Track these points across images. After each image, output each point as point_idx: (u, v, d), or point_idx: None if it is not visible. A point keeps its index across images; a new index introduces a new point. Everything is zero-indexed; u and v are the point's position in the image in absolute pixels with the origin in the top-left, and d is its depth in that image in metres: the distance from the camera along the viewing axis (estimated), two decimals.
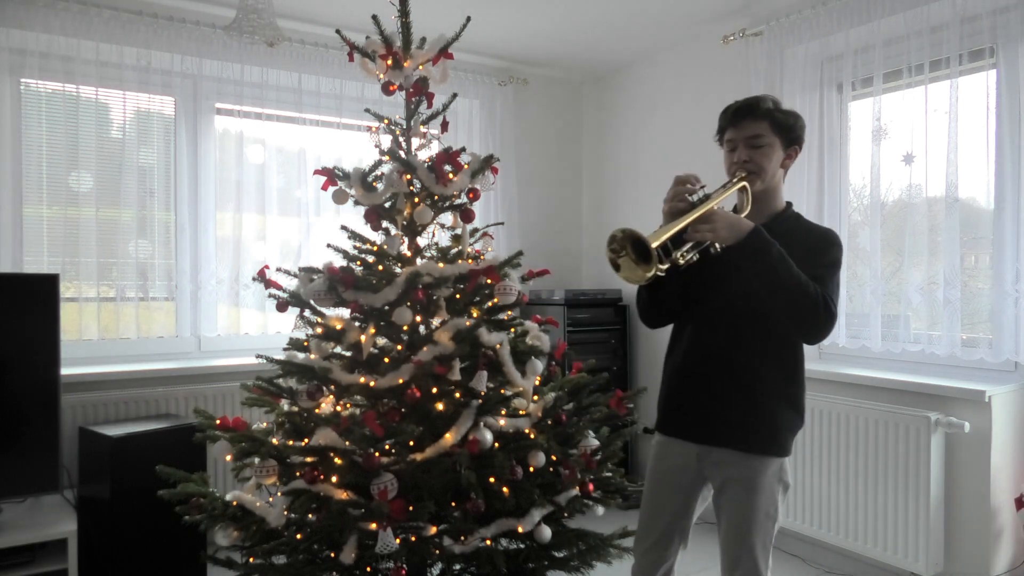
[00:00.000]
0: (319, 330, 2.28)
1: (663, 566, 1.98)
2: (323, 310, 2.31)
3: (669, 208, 1.72)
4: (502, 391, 2.29)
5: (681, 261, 1.71)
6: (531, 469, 2.23)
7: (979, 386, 2.70)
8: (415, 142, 2.48)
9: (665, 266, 1.63)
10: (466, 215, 2.43)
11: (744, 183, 1.81)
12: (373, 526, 1.98)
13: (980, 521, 2.72)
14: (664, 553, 1.97)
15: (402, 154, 2.44)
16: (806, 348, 1.88)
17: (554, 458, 2.29)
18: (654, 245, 1.56)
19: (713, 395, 1.85)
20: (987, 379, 2.81)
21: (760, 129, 1.81)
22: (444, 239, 2.53)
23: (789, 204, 1.96)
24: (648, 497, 2.00)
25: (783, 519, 3.23)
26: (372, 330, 2.24)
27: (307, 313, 2.32)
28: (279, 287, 2.33)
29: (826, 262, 1.79)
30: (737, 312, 1.83)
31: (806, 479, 3.17)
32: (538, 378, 2.36)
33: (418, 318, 2.30)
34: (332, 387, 2.22)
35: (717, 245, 1.72)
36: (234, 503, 2.22)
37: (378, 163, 2.37)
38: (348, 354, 2.28)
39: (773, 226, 1.83)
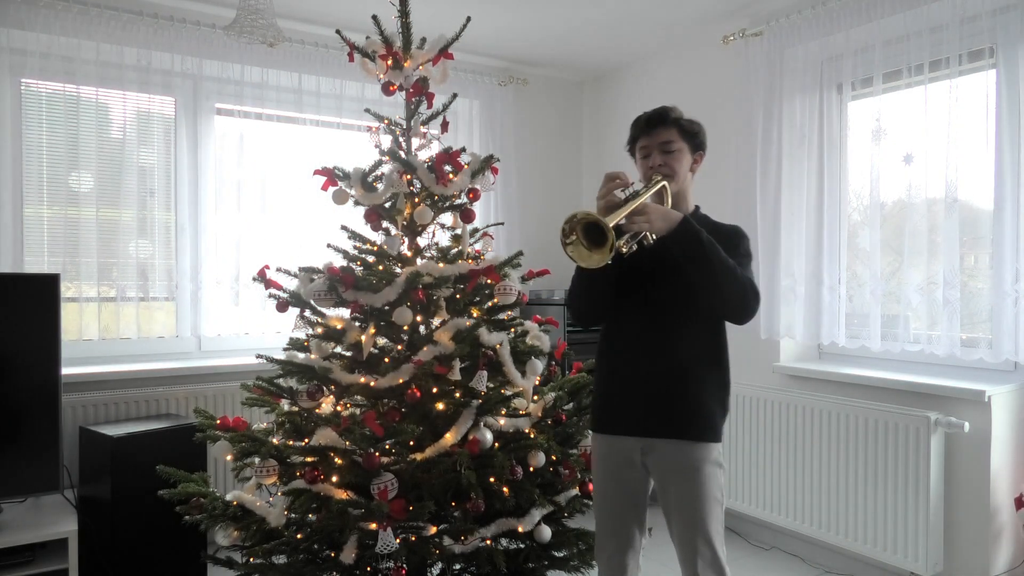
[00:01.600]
0: (319, 330, 2.29)
1: (631, 564, 2.01)
2: (323, 310, 2.31)
3: (605, 203, 1.81)
4: (502, 391, 2.29)
5: (624, 250, 1.82)
6: (531, 469, 2.23)
7: (979, 386, 2.70)
8: (415, 142, 2.48)
9: (612, 254, 1.74)
10: (466, 215, 2.43)
11: (664, 183, 1.93)
12: (373, 526, 1.98)
13: (980, 521, 2.72)
14: (630, 550, 2.00)
15: (402, 154, 2.44)
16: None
17: (554, 458, 2.29)
18: (611, 225, 1.64)
19: (649, 389, 1.92)
20: (987, 379, 2.81)
21: (671, 136, 1.96)
22: (444, 239, 2.53)
23: (697, 207, 2.08)
24: (601, 502, 2.03)
25: (783, 520, 3.25)
26: (372, 330, 2.25)
27: (307, 313, 2.32)
28: (279, 287, 2.33)
29: (741, 252, 1.92)
30: (664, 306, 1.92)
31: (806, 479, 3.17)
32: (538, 378, 2.37)
33: (418, 318, 2.30)
34: (332, 387, 2.23)
35: (651, 236, 1.84)
36: (234, 503, 2.22)
37: (378, 163, 2.37)
38: (348, 354, 2.28)
39: None
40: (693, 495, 1.87)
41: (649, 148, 1.98)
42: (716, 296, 1.82)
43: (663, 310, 1.92)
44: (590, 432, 2.08)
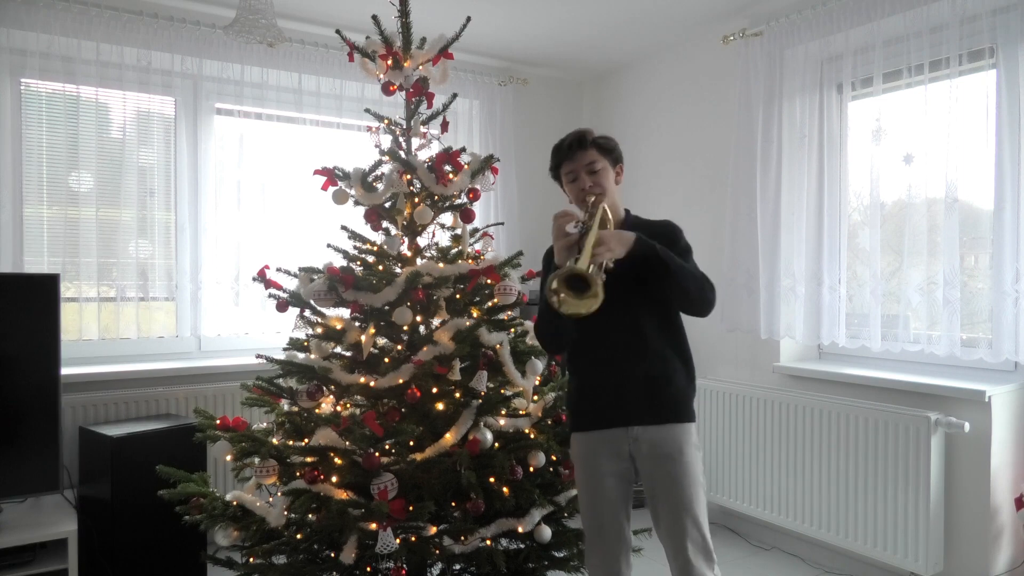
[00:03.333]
0: (319, 330, 2.29)
1: (623, 563, 2.02)
2: (323, 310, 2.31)
3: (564, 244, 1.89)
4: (502, 391, 2.29)
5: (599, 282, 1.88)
6: (531, 469, 2.23)
7: (979, 386, 2.70)
8: (415, 142, 2.48)
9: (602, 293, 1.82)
10: (466, 215, 2.43)
11: (605, 206, 2.00)
12: (373, 526, 1.98)
13: (980, 521, 2.72)
14: (622, 546, 2.02)
15: (402, 154, 2.44)
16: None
17: (554, 458, 2.29)
18: (589, 269, 1.73)
19: (626, 385, 1.98)
20: (987, 379, 2.81)
21: (592, 156, 2.05)
22: (444, 239, 2.53)
23: (627, 211, 2.15)
24: (589, 500, 2.03)
25: (783, 520, 3.25)
26: (372, 330, 2.25)
27: (307, 313, 2.32)
28: (279, 287, 2.33)
29: (681, 248, 2.02)
30: (622, 314, 1.98)
31: (806, 479, 3.17)
32: (538, 378, 2.37)
33: (418, 318, 2.30)
34: (332, 387, 2.23)
35: (611, 262, 1.88)
36: (234, 503, 2.22)
37: (378, 163, 2.37)
38: (348, 354, 2.28)
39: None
40: (679, 478, 1.93)
41: (576, 171, 2.05)
42: (681, 298, 1.94)
43: (622, 317, 1.98)
44: (571, 434, 2.09)
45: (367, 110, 2.61)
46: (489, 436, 2.14)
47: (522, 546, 2.32)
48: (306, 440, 2.19)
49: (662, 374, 1.99)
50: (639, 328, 1.99)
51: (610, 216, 2.02)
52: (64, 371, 2.71)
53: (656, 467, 1.96)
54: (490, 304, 2.37)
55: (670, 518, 1.92)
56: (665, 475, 1.95)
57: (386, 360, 2.25)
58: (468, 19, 2.52)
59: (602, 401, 2.01)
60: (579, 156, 2.05)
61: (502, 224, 3.15)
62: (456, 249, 2.48)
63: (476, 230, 2.54)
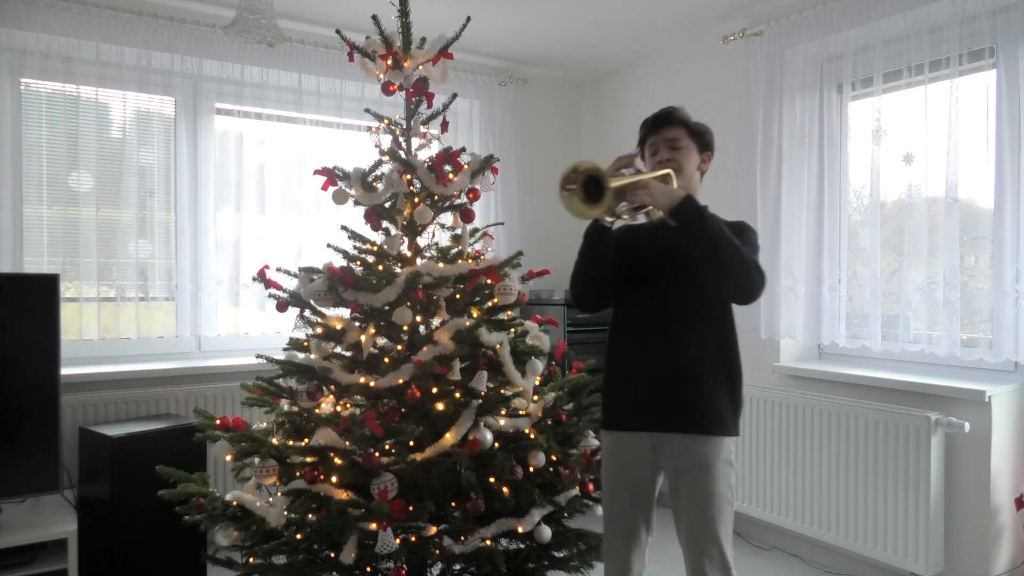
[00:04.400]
0: (319, 330, 2.28)
1: (636, 563, 2.01)
2: (323, 310, 2.31)
3: (612, 167, 1.86)
4: (502, 391, 2.29)
5: (625, 217, 1.91)
6: (531, 469, 2.23)
7: (979, 386, 2.70)
8: (415, 142, 2.48)
9: (610, 219, 1.87)
10: (466, 215, 2.43)
11: (670, 172, 1.97)
12: (373, 526, 1.98)
13: (980, 521, 2.72)
14: (635, 549, 2.00)
15: (402, 154, 2.44)
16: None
17: (554, 458, 2.29)
18: (613, 185, 1.70)
19: (658, 383, 1.92)
20: (987, 379, 2.80)
21: (678, 134, 2.02)
22: (444, 239, 2.53)
23: (706, 207, 2.04)
24: (609, 499, 2.03)
25: (783, 520, 3.25)
26: (372, 330, 2.25)
27: (307, 313, 2.32)
28: (279, 287, 2.33)
29: (749, 239, 1.93)
30: (672, 302, 1.94)
31: (807, 479, 3.17)
32: (538, 378, 2.36)
33: (418, 318, 2.30)
34: (332, 387, 2.22)
35: (653, 212, 1.88)
36: (234, 503, 2.22)
37: (378, 163, 2.37)
38: (348, 354, 2.28)
39: None
40: (703, 493, 1.86)
41: (657, 144, 2.03)
42: (721, 274, 1.81)
43: (671, 306, 1.94)
44: (600, 430, 2.08)
45: (367, 110, 2.61)
46: (489, 436, 2.14)
47: (522, 546, 2.32)
48: (306, 440, 2.18)
49: (697, 380, 1.90)
50: (681, 328, 1.92)
51: (674, 184, 1.95)
52: (64, 371, 2.71)
53: (679, 478, 1.91)
54: (490, 304, 2.37)
55: (689, 532, 1.89)
56: (688, 488, 1.89)
57: (386, 360, 2.25)
58: (468, 19, 2.52)
59: (628, 401, 1.97)
60: (663, 130, 2.02)
61: (502, 224, 3.15)
62: (456, 249, 2.48)
63: (476, 230, 2.54)
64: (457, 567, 2.34)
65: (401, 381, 2.14)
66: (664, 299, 1.95)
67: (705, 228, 1.78)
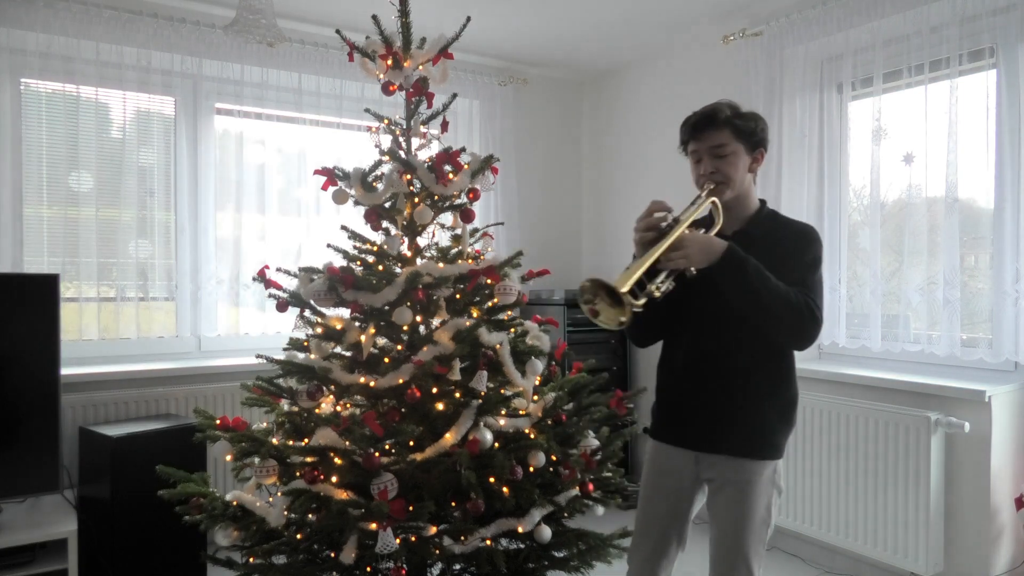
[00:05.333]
0: (319, 330, 2.28)
1: (663, 573, 1.97)
2: (323, 310, 2.31)
3: (639, 239, 1.72)
4: (502, 391, 2.29)
5: (657, 294, 1.69)
6: (531, 469, 2.22)
7: (979, 386, 2.69)
8: (415, 142, 2.48)
9: (642, 301, 1.63)
10: (466, 215, 2.43)
11: (713, 197, 1.81)
12: (373, 526, 1.98)
13: (980, 521, 2.72)
14: (663, 560, 1.96)
15: (402, 154, 2.44)
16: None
17: (554, 458, 2.28)
18: (623, 290, 1.55)
19: (707, 402, 1.85)
20: (987, 379, 2.80)
21: (722, 138, 1.80)
22: (444, 239, 2.53)
23: (763, 202, 1.95)
24: (644, 504, 2.00)
25: (783, 520, 3.25)
26: (372, 330, 2.24)
27: (307, 313, 2.32)
28: (279, 287, 2.32)
29: (807, 261, 1.78)
30: (728, 318, 1.81)
31: (806, 479, 3.17)
32: (538, 378, 2.36)
33: (418, 318, 2.30)
34: (332, 387, 2.22)
35: (693, 269, 1.71)
36: (234, 503, 2.22)
37: (378, 163, 2.37)
38: (348, 354, 2.28)
39: (750, 230, 1.86)
40: (740, 510, 1.80)
41: (700, 152, 1.83)
42: (768, 325, 1.72)
43: (720, 320, 1.82)
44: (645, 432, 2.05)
45: (367, 110, 2.61)
46: (489, 436, 2.13)
47: (522, 546, 2.32)
48: (306, 440, 2.18)
49: (742, 401, 1.80)
50: (730, 345, 1.81)
51: (719, 214, 1.79)
52: (64, 371, 2.71)
53: (717, 497, 1.86)
54: (490, 304, 2.36)
55: (721, 551, 1.83)
56: (724, 508, 1.83)
57: (386, 360, 2.25)
58: (468, 19, 2.52)
59: (675, 418, 1.92)
60: (707, 135, 1.80)
61: (502, 224, 3.15)
62: (456, 249, 2.48)
63: (476, 230, 2.54)
64: (457, 567, 2.34)
65: (401, 381, 2.14)
66: (712, 314, 1.83)
67: (747, 284, 1.66)
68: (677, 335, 1.94)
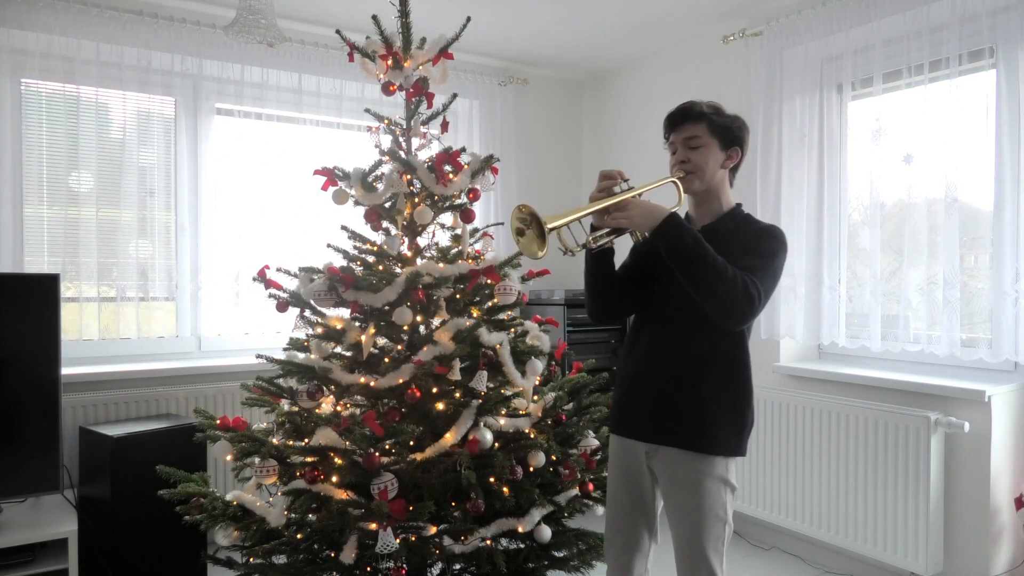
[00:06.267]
0: (319, 330, 2.29)
1: (638, 566, 1.98)
2: (323, 310, 2.31)
3: (591, 197, 1.82)
4: (502, 391, 2.29)
5: (593, 245, 1.83)
6: (531, 469, 2.23)
7: (979, 386, 2.70)
8: (415, 142, 2.48)
9: (577, 249, 1.79)
10: (466, 215, 2.43)
11: (675, 180, 1.90)
12: (373, 526, 1.98)
13: (980, 521, 2.72)
14: (636, 553, 1.97)
15: (402, 154, 2.44)
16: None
17: (554, 458, 2.29)
18: (549, 227, 1.65)
19: (659, 395, 1.87)
20: (987, 379, 2.81)
21: (697, 131, 1.89)
22: (444, 239, 2.53)
23: (739, 205, 1.99)
24: (610, 498, 2.01)
25: (783, 520, 3.25)
26: (372, 330, 2.25)
27: (307, 313, 2.32)
28: (279, 287, 2.33)
29: (762, 252, 1.81)
30: (675, 308, 1.86)
31: (806, 479, 3.17)
32: (538, 378, 2.36)
33: (418, 318, 2.30)
34: (332, 387, 2.22)
35: (639, 233, 1.83)
36: (234, 503, 2.22)
37: (378, 163, 2.37)
38: (348, 354, 2.28)
39: (718, 225, 1.91)
40: (692, 509, 1.80)
41: (676, 144, 1.92)
42: (701, 296, 1.72)
43: (674, 312, 1.86)
44: (607, 430, 2.07)
45: (367, 110, 2.61)
46: (489, 436, 2.14)
47: (522, 546, 2.32)
48: (306, 440, 2.19)
49: (692, 394, 1.81)
50: (684, 337, 1.84)
51: (680, 194, 1.87)
52: (64, 371, 2.71)
53: (670, 493, 1.87)
54: (490, 304, 2.37)
55: (679, 549, 1.85)
56: (678, 504, 1.84)
57: (386, 360, 2.25)
58: (468, 19, 2.52)
59: (629, 409, 1.94)
60: (683, 127, 1.89)
61: (502, 224, 3.14)
62: (456, 249, 2.48)
63: (476, 230, 2.54)
64: (457, 567, 2.34)
65: (401, 381, 2.14)
66: (667, 305, 1.89)
67: (684, 251, 1.70)
68: (640, 331, 1.97)
